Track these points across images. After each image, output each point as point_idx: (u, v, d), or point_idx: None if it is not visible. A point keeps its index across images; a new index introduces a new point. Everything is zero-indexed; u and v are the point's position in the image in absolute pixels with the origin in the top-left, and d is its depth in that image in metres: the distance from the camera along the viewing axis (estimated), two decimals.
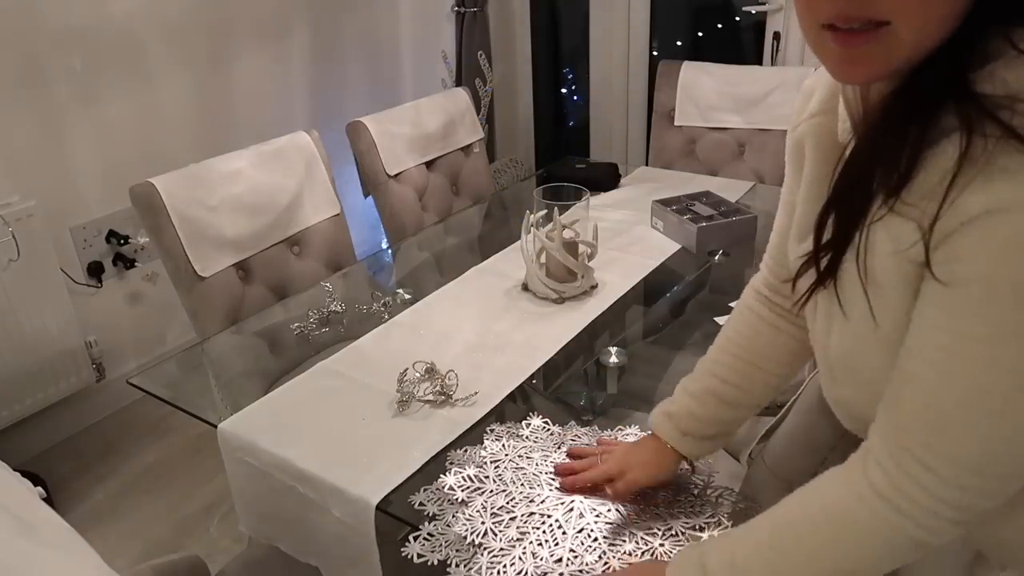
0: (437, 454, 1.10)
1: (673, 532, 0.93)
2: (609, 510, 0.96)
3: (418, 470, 1.07)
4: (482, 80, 3.21)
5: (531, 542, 0.92)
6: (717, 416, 0.98)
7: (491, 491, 1.00)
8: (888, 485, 0.67)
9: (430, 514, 0.97)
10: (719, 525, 0.95)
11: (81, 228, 2.25)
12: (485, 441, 1.10)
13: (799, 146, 0.85)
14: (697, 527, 0.94)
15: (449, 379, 1.22)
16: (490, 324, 1.45)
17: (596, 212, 1.73)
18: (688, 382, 1.02)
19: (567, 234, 1.51)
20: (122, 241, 2.32)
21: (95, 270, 2.30)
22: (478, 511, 0.97)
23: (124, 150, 2.29)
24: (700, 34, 3.27)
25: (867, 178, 0.67)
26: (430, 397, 1.20)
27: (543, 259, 1.54)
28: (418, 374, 1.25)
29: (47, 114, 2.12)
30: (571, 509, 0.96)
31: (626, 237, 1.84)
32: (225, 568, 1.38)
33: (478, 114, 2.69)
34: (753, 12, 2.90)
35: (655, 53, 3.26)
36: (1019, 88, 0.59)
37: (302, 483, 1.09)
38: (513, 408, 1.20)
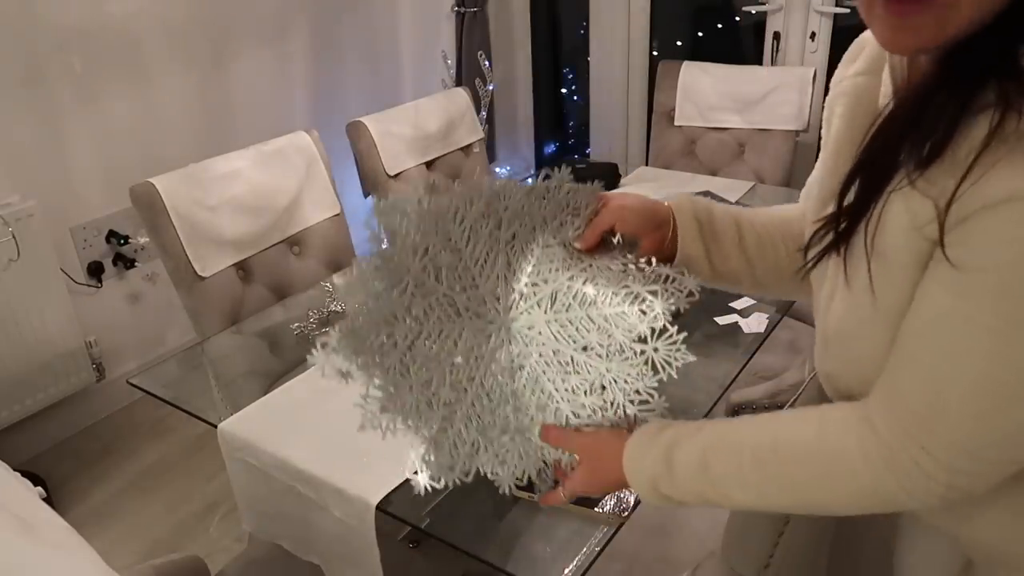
0: None
1: (620, 350, 0.81)
2: (539, 333, 0.82)
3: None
4: (482, 80, 3.20)
5: (471, 401, 0.79)
6: (723, 230, 0.90)
7: (405, 336, 0.79)
8: (886, 454, 0.66)
9: (347, 370, 0.79)
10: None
11: (81, 228, 2.25)
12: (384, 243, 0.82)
13: (835, 103, 0.83)
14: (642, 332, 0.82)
15: None
16: None
17: None
18: (716, 204, 0.94)
19: None
20: (122, 241, 2.32)
21: (95, 270, 2.30)
22: (399, 370, 0.79)
23: (124, 150, 2.29)
24: (700, 34, 3.27)
25: (897, 145, 0.65)
26: None
27: None
28: None
29: (47, 114, 2.12)
30: (501, 344, 0.82)
31: None
32: (225, 568, 1.38)
33: (478, 114, 2.69)
34: (753, 12, 2.90)
35: (655, 53, 3.26)
36: None
37: (302, 483, 1.09)
38: None
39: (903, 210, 0.64)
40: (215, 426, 1.19)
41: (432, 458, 0.80)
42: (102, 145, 2.25)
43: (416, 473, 0.80)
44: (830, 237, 0.73)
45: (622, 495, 1.01)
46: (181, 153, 2.09)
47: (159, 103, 2.36)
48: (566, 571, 0.92)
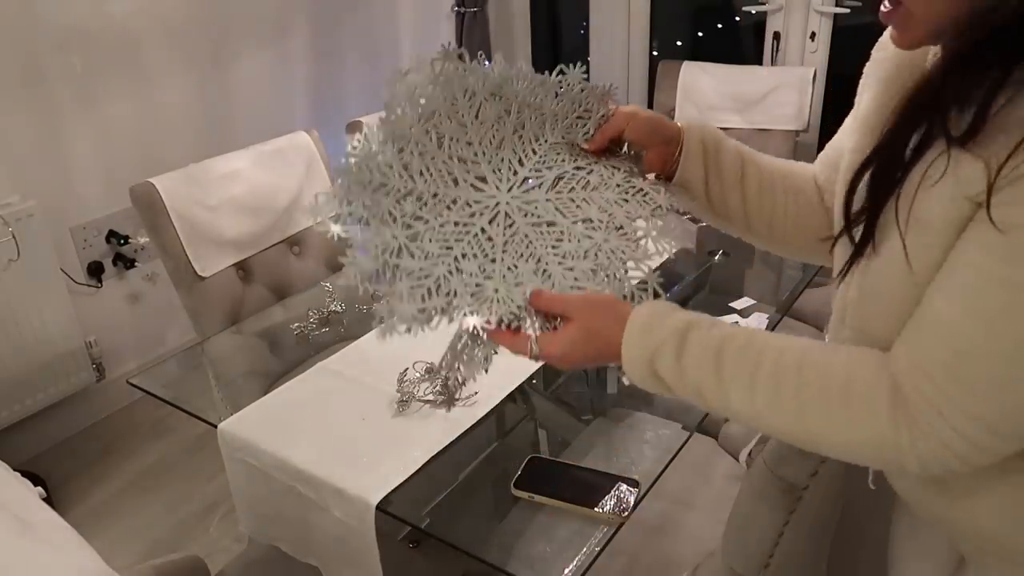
0: (437, 454, 1.10)
1: (618, 225, 0.81)
2: (536, 207, 0.82)
3: (418, 470, 1.07)
4: None
5: (456, 256, 0.78)
6: (727, 165, 0.91)
7: (398, 190, 0.80)
8: (907, 414, 0.65)
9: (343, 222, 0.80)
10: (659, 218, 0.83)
11: (81, 228, 2.25)
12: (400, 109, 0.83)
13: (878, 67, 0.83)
14: (638, 213, 0.83)
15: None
16: None
17: None
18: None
19: None
20: (122, 241, 2.32)
21: (95, 270, 2.30)
22: (386, 219, 0.79)
23: (124, 150, 2.29)
24: (700, 34, 3.27)
25: (936, 108, 0.65)
26: (430, 397, 1.20)
27: None
28: (418, 374, 1.25)
29: (47, 114, 2.12)
30: (496, 214, 0.81)
31: None
32: (225, 568, 1.38)
33: None
34: (753, 12, 2.90)
35: (655, 53, 3.26)
36: None
37: (302, 483, 1.09)
38: (513, 408, 1.20)
39: (948, 172, 0.63)
40: (215, 426, 1.19)
41: (404, 304, 0.77)
42: (102, 145, 2.25)
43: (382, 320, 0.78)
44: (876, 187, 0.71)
45: (622, 495, 1.01)
46: (181, 153, 2.09)
47: (159, 103, 2.36)
48: (566, 571, 0.92)
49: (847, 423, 0.67)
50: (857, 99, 0.88)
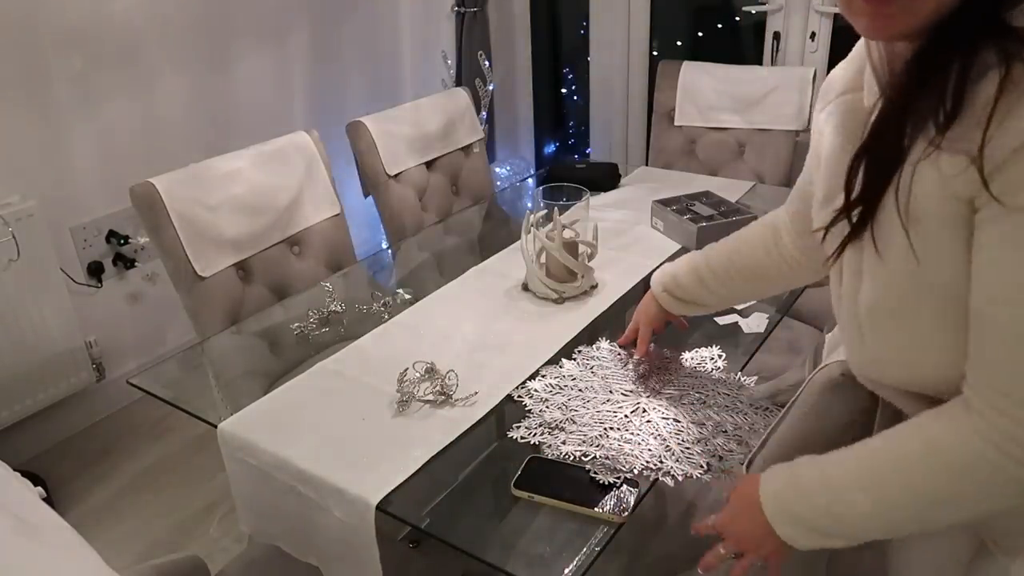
0: (437, 454, 1.10)
1: (723, 429, 1.14)
2: (673, 413, 1.17)
3: (418, 470, 1.07)
4: (482, 80, 3.20)
5: (605, 428, 1.13)
6: (693, 290, 1.22)
7: (569, 388, 1.23)
8: (989, 429, 0.68)
9: (527, 408, 1.19)
10: (753, 428, 1.15)
11: (81, 228, 2.25)
12: (563, 362, 1.31)
13: (822, 126, 0.91)
14: (738, 426, 1.15)
15: (449, 379, 1.22)
16: (490, 324, 1.45)
17: (596, 212, 1.73)
18: (692, 254, 1.24)
19: (567, 234, 1.51)
20: (122, 241, 2.32)
21: (95, 270, 2.31)
22: (559, 407, 1.18)
23: (124, 150, 2.29)
24: (700, 34, 3.27)
25: (901, 125, 0.70)
26: (430, 397, 1.20)
27: (543, 259, 1.54)
28: (418, 374, 1.25)
29: (47, 114, 2.12)
30: (637, 408, 1.18)
31: (626, 237, 1.84)
32: (225, 568, 1.38)
33: (478, 114, 2.69)
34: (753, 12, 2.90)
35: (655, 53, 3.26)
36: None
37: (302, 483, 1.09)
38: (513, 408, 1.20)
39: (935, 176, 0.67)
40: (215, 426, 1.19)
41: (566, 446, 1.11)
42: (102, 145, 2.25)
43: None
44: (846, 228, 0.77)
45: (622, 495, 1.01)
46: (181, 153, 2.09)
47: (159, 103, 2.36)
48: (566, 571, 0.92)
49: (952, 477, 0.72)
50: (813, 143, 0.97)
